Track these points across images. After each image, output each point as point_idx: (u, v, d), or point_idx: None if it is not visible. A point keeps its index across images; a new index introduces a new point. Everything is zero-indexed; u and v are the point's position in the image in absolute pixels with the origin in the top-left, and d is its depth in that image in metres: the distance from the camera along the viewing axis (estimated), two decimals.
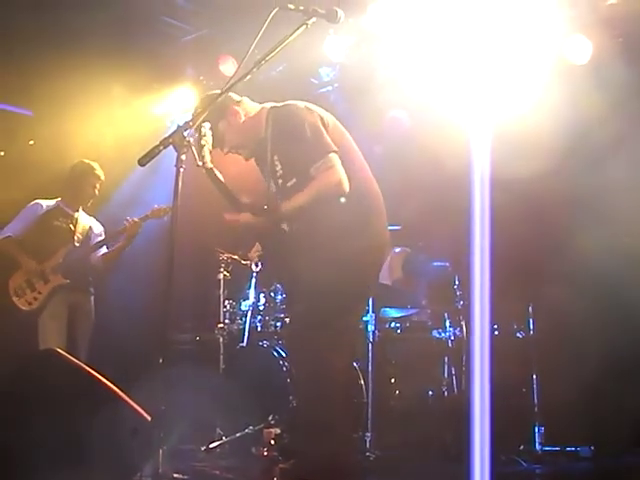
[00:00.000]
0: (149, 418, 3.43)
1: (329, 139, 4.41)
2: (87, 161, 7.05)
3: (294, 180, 4.48)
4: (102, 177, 7.03)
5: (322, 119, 4.54)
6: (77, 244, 6.88)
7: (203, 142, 4.21)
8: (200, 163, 4.11)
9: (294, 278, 4.53)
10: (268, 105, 4.79)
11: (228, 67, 8.19)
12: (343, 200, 4.38)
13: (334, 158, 4.35)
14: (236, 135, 4.75)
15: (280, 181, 4.57)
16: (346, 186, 4.33)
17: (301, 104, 4.65)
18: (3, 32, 7.95)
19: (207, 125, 4.30)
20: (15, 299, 6.69)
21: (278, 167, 4.57)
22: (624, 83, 6.44)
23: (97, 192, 7.05)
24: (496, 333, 6.80)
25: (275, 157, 4.58)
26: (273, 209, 4.48)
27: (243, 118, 4.73)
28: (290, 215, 4.47)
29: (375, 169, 8.31)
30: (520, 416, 6.55)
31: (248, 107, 4.80)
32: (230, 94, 4.72)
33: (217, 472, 4.85)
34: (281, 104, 4.71)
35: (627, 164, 6.45)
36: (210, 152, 4.26)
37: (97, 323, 6.92)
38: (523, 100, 7.13)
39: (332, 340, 4.28)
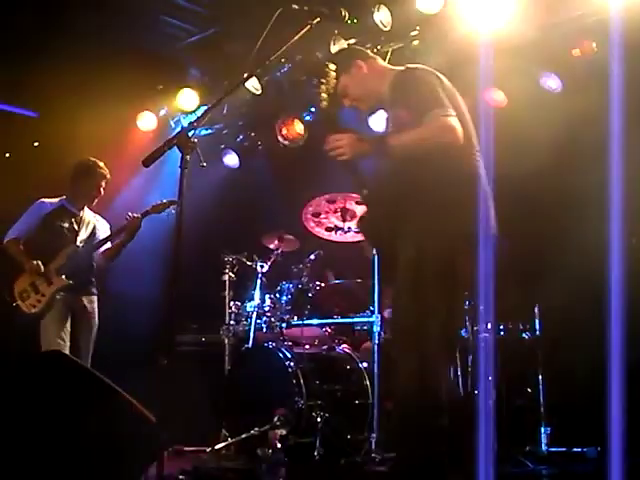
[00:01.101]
0: (153, 419, 3.42)
1: (446, 101, 4.27)
2: (92, 159, 6.98)
3: None
4: (108, 175, 6.97)
5: (442, 83, 4.42)
6: (80, 244, 6.85)
7: (323, 82, 4.44)
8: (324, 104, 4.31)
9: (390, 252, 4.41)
10: (398, 68, 4.69)
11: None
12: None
13: (451, 111, 4.20)
14: (357, 88, 4.69)
15: None
16: (460, 135, 4.16)
17: (423, 66, 4.57)
18: (7, 33, 7.96)
19: (332, 67, 4.37)
20: (19, 302, 6.65)
21: (390, 125, 4.53)
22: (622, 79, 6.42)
23: (103, 191, 6.99)
24: (502, 334, 6.79)
25: (389, 115, 4.57)
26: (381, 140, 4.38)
27: (366, 72, 4.68)
28: (396, 150, 4.27)
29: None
30: (526, 417, 6.54)
31: (376, 65, 4.75)
32: (361, 49, 4.78)
33: (222, 473, 4.84)
34: (404, 67, 4.63)
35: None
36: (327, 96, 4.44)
37: (101, 324, 6.89)
38: (523, 97, 7.17)
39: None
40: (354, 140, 4.25)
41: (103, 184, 6.95)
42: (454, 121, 4.17)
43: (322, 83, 4.53)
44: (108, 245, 6.95)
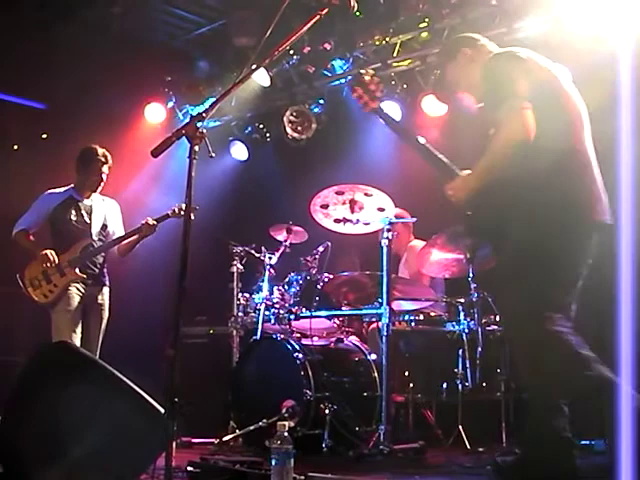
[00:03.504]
0: (162, 410, 3.42)
1: (522, 88, 4.24)
2: (92, 146, 6.94)
3: (492, 130, 4.43)
4: (109, 160, 6.93)
5: (528, 67, 4.39)
6: (95, 237, 6.85)
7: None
8: None
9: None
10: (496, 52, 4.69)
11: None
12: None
13: (516, 104, 4.19)
14: (463, 77, 4.73)
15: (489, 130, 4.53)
16: (527, 135, 4.16)
17: (510, 51, 4.54)
18: (15, 26, 7.97)
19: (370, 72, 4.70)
20: (30, 290, 6.66)
21: (488, 113, 4.53)
22: None
23: (105, 176, 6.96)
24: None
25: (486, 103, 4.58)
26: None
27: (472, 60, 4.66)
28: (484, 178, 4.42)
29: (389, 162, 8.30)
30: None
31: (483, 50, 4.71)
32: (471, 36, 4.78)
33: (230, 465, 4.84)
34: (497, 52, 4.62)
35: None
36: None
37: (111, 316, 6.90)
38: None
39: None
40: (459, 186, 4.49)
41: (105, 169, 6.91)
42: (520, 116, 4.17)
43: (357, 88, 4.71)
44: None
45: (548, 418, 4.29)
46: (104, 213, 6.99)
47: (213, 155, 3.75)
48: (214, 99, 4.10)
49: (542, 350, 4.23)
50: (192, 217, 3.58)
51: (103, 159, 6.88)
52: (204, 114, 3.72)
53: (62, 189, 6.95)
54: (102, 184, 6.94)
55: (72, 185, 6.97)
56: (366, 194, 6.26)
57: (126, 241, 6.87)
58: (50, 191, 6.96)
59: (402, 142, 5.04)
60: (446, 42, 4.63)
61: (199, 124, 3.64)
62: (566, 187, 4.25)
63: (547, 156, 4.21)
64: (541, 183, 4.22)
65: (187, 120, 3.68)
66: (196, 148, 3.59)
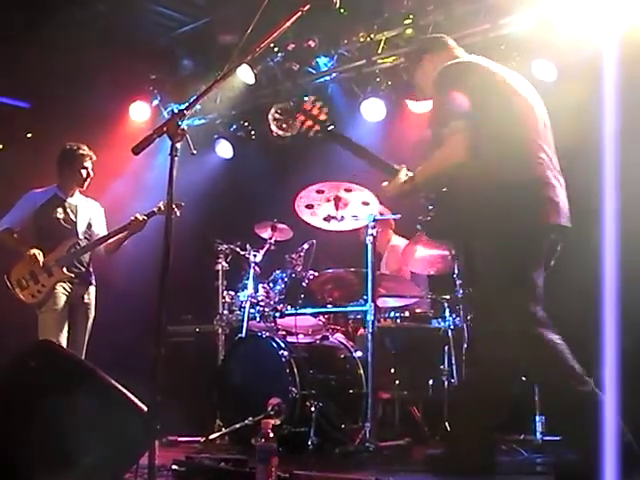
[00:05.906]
0: (145, 409, 3.41)
1: (464, 103, 4.32)
2: (73, 144, 6.90)
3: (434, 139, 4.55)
4: (93, 156, 6.88)
5: (473, 81, 4.46)
6: (81, 236, 6.82)
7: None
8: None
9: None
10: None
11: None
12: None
13: (459, 125, 4.31)
14: (427, 84, 4.78)
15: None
16: (464, 157, 4.30)
17: (459, 62, 4.64)
18: (1, 25, 7.94)
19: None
20: (18, 290, 6.61)
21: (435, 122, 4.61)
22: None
23: (91, 172, 6.94)
24: None
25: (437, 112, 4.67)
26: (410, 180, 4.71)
27: (434, 68, 4.68)
28: (423, 187, 4.66)
29: None
30: (521, 405, 6.53)
31: (448, 55, 4.74)
32: (438, 38, 4.82)
33: (216, 464, 4.83)
34: (446, 64, 4.62)
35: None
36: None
37: (97, 315, 6.88)
38: None
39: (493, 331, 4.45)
40: (394, 186, 4.75)
41: (88, 165, 6.87)
42: (457, 139, 4.30)
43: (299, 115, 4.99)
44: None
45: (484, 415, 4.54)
46: (89, 213, 6.97)
47: (195, 152, 3.74)
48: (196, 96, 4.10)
49: (523, 349, 4.41)
50: (178, 214, 3.58)
51: (85, 155, 6.84)
52: (185, 111, 3.72)
53: (46, 189, 6.92)
54: (89, 179, 6.90)
55: (55, 185, 6.93)
56: (346, 190, 6.27)
57: (114, 238, 6.83)
58: (33, 191, 6.93)
59: (357, 157, 5.13)
60: (416, 44, 4.67)
61: (180, 121, 3.63)
62: (521, 199, 4.32)
63: (503, 169, 4.34)
64: (499, 199, 4.32)
65: (168, 117, 3.67)
66: (177, 145, 3.58)
